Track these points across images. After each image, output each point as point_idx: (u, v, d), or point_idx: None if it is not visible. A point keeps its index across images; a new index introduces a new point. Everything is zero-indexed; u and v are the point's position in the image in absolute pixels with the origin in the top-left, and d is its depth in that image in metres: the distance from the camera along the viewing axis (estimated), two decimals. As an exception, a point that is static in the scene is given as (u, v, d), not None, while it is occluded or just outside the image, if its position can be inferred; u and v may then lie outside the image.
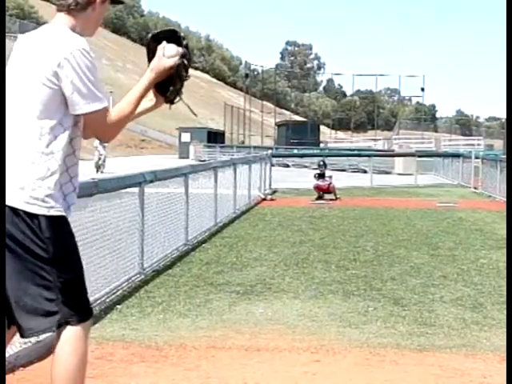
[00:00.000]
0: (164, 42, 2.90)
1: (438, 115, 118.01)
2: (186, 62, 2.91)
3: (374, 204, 15.47)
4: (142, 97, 2.87)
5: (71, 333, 2.76)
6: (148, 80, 2.87)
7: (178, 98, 3.00)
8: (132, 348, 4.58)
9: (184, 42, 2.94)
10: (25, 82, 2.74)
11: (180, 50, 2.92)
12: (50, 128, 2.71)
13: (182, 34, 2.97)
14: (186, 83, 3.01)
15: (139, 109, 2.94)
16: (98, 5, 2.86)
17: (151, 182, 7.27)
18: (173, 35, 2.95)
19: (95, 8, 2.85)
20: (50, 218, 2.70)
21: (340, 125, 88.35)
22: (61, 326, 2.76)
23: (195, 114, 3.76)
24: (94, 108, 2.72)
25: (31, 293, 2.72)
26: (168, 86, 2.95)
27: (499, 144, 56.96)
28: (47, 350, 4.33)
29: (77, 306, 2.77)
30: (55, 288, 2.73)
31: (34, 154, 2.70)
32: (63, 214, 2.76)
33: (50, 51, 2.70)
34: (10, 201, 2.69)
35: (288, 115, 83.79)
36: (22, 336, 2.88)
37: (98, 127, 2.79)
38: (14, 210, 2.69)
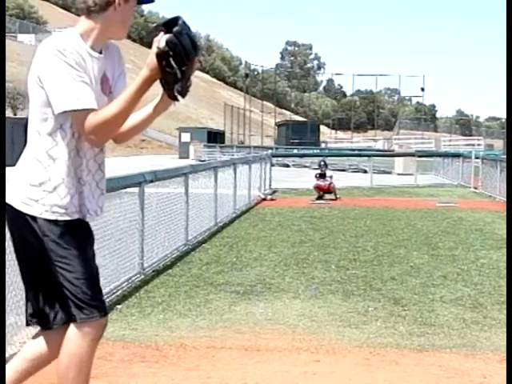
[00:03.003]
0: (161, 34, 2.58)
1: (438, 115, 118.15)
2: (166, 49, 2.54)
3: (374, 204, 15.47)
4: (135, 95, 2.63)
5: (70, 331, 2.78)
6: (142, 77, 2.62)
7: (181, 96, 2.66)
8: (132, 348, 4.58)
9: (175, 29, 2.55)
10: (29, 88, 2.79)
11: (168, 37, 2.55)
12: (48, 133, 2.74)
13: (180, 21, 2.58)
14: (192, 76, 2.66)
15: (149, 109, 2.80)
16: (120, 4, 2.74)
17: (151, 181, 7.27)
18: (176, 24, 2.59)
19: (116, 8, 2.73)
20: (40, 220, 2.75)
21: (340, 125, 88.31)
22: (66, 323, 2.79)
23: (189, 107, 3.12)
24: (65, 107, 2.63)
25: (39, 287, 2.82)
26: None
27: (499, 144, 57.06)
28: (47, 350, 4.33)
29: (75, 306, 2.76)
30: (54, 285, 2.77)
31: (33, 157, 2.77)
32: (60, 218, 2.76)
33: (37, 56, 2.72)
34: (9, 199, 2.80)
35: (288, 115, 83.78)
36: (43, 327, 2.91)
37: (80, 129, 2.68)
38: (13, 209, 2.78)
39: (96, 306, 2.78)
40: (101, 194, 2.93)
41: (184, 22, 2.59)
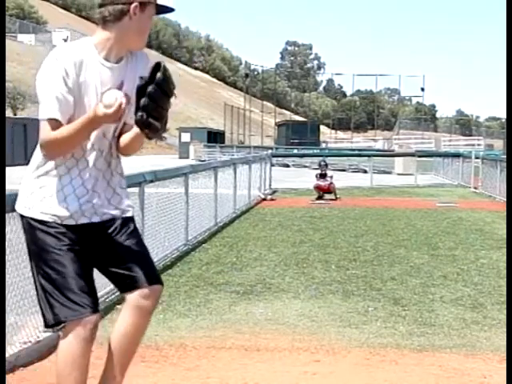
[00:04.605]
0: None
1: (438, 115, 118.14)
2: (145, 117, 2.64)
3: (374, 204, 15.47)
4: (80, 131, 2.67)
5: (64, 330, 2.90)
6: (87, 118, 2.66)
7: (157, 134, 2.75)
8: (132, 348, 4.57)
9: (149, 89, 2.61)
10: None
11: (121, 100, 2.62)
12: None
13: (158, 78, 2.61)
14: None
15: (128, 137, 2.87)
16: (135, 13, 2.74)
17: (151, 181, 7.27)
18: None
19: (132, 18, 2.74)
20: (24, 219, 2.88)
21: (340, 125, 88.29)
22: (55, 324, 2.94)
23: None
24: (39, 116, 2.72)
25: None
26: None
27: (499, 144, 57.06)
28: (47, 350, 4.33)
29: (58, 307, 2.85)
30: (38, 285, 2.91)
31: (33, 160, 2.87)
32: (39, 217, 2.83)
33: None
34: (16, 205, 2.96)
35: (288, 115, 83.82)
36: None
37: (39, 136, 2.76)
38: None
39: (80, 305, 2.83)
40: (121, 198, 2.97)
41: (161, 78, 2.62)
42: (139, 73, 2.83)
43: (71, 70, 2.69)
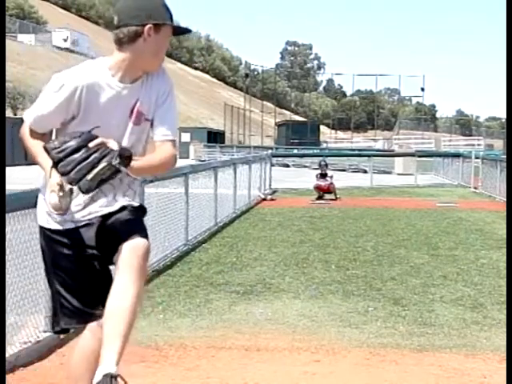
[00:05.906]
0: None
1: (438, 115, 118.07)
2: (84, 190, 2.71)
3: (374, 204, 15.47)
4: (35, 160, 2.85)
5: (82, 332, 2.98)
6: (41, 164, 2.80)
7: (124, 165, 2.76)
8: (132, 348, 4.56)
9: (60, 170, 2.68)
10: None
11: (60, 212, 2.73)
12: None
13: (52, 157, 2.70)
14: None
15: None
16: (150, 35, 2.75)
17: (151, 182, 7.27)
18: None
19: (146, 39, 2.75)
20: (40, 227, 2.95)
21: (340, 125, 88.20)
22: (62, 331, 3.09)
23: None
24: (25, 116, 2.89)
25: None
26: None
27: (499, 144, 57.06)
28: (47, 350, 4.33)
29: (58, 317, 2.94)
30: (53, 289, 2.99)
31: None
32: (46, 225, 2.89)
33: None
34: None
35: (288, 115, 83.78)
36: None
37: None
38: None
39: (90, 309, 2.87)
40: (106, 199, 2.92)
41: (54, 157, 2.69)
42: (154, 90, 2.88)
43: (75, 93, 2.74)
